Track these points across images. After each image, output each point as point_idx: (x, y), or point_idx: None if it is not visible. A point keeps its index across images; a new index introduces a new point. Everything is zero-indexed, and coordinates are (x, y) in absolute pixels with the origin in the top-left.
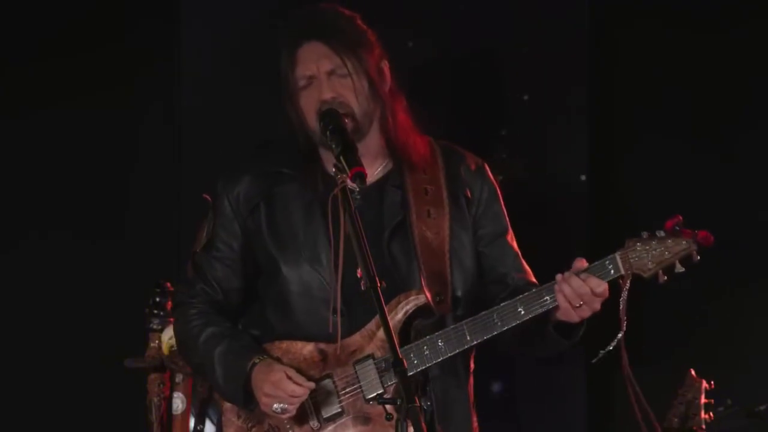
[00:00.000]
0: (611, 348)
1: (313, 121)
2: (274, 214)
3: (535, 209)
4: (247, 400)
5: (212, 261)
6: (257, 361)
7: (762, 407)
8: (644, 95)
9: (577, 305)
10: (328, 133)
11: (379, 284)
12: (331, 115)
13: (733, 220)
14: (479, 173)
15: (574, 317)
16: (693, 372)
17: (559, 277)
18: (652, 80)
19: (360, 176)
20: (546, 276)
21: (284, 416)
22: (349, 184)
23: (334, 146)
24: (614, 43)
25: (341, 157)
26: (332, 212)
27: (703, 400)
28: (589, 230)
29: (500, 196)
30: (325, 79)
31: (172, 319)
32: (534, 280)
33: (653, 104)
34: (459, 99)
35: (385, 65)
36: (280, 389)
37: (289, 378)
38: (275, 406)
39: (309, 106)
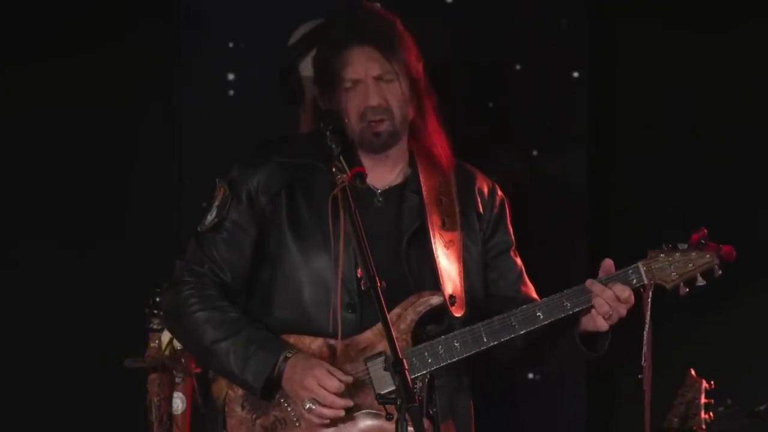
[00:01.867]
0: (644, 364)
1: (354, 123)
2: (296, 204)
3: (536, 210)
4: (266, 390)
5: (220, 242)
6: (290, 354)
7: (762, 407)
8: (644, 95)
9: (608, 315)
10: (328, 133)
11: (379, 284)
12: (331, 116)
13: (733, 220)
14: (491, 194)
15: (603, 325)
16: (693, 372)
17: (592, 284)
18: (652, 80)
19: (360, 176)
20: (545, 276)
21: (319, 412)
22: (358, 184)
23: (334, 146)
24: (614, 43)
25: (341, 157)
26: (332, 212)
27: (703, 400)
28: (589, 230)
29: (509, 214)
30: (373, 84)
31: None
32: (536, 296)
33: (653, 104)
34: (458, 100)
35: (421, 66)
36: (322, 385)
37: (328, 371)
38: (307, 402)
39: (353, 108)
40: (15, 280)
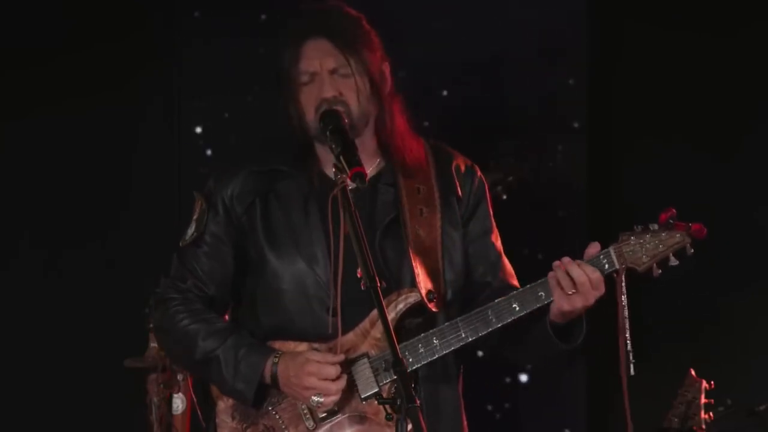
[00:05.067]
0: (631, 350)
1: (311, 118)
2: (270, 211)
3: (535, 209)
4: (258, 397)
5: (201, 256)
6: (276, 358)
7: (762, 407)
8: (644, 95)
9: (570, 292)
10: (328, 133)
11: (379, 284)
12: (331, 116)
13: (732, 220)
14: (468, 173)
15: (565, 305)
16: (693, 372)
17: (556, 262)
18: (652, 80)
19: (360, 176)
20: (545, 272)
21: (328, 402)
22: (349, 184)
23: (334, 146)
24: (614, 43)
25: (341, 157)
26: (332, 212)
27: (703, 400)
28: (589, 230)
29: (488, 196)
30: (327, 77)
31: None
32: (515, 282)
33: (653, 104)
34: (459, 99)
35: (386, 67)
36: (322, 378)
37: (320, 362)
38: (314, 399)
39: (309, 102)
40: (15, 280)
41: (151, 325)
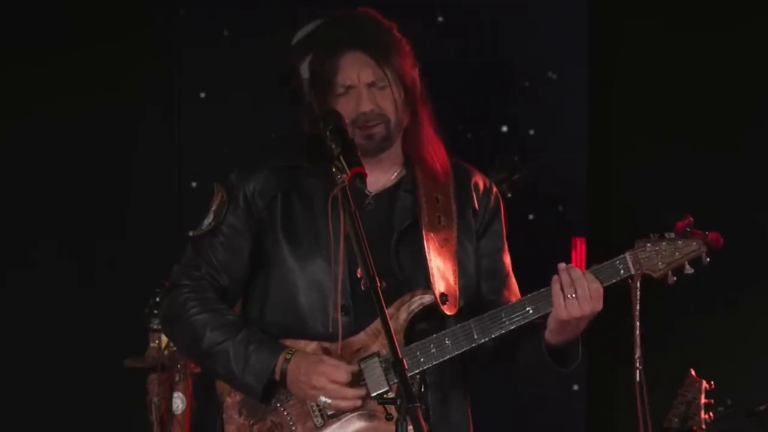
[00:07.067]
0: (639, 356)
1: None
2: (292, 208)
3: (535, 209)
4: (267, 393)
5: (217, 245)
6: (289, 355)
7: (762, 407)
8: (644, 95)
9: (570, 295)
10: (328, 133)
11: (379, 284)
12: (331, 116)
13: (733, 220)
14: (486, 191)
15: (562, 313)
16: (693, 372)
17: (561, 265)
18: (652, 80)
19: (360, 176)
20: (545, 278)
21: (336, 405)
22: (358, 185)
23: (333, 146)
24: (614, 43)
25: (341, 157)
26: (332, 212)
27: (703, 400)
28: (589, 230)
29: (503, 215)
30: (365, 90)
31: None
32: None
33: (653, 104)
34: (459, 99)
35: (416, 74)
36: (332, 380)
37: (333, 366)
38: (322, 399)
39: (345, 114)
40: (14, 280)
41: (155, 312)
